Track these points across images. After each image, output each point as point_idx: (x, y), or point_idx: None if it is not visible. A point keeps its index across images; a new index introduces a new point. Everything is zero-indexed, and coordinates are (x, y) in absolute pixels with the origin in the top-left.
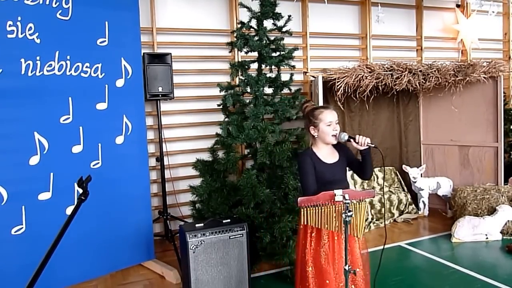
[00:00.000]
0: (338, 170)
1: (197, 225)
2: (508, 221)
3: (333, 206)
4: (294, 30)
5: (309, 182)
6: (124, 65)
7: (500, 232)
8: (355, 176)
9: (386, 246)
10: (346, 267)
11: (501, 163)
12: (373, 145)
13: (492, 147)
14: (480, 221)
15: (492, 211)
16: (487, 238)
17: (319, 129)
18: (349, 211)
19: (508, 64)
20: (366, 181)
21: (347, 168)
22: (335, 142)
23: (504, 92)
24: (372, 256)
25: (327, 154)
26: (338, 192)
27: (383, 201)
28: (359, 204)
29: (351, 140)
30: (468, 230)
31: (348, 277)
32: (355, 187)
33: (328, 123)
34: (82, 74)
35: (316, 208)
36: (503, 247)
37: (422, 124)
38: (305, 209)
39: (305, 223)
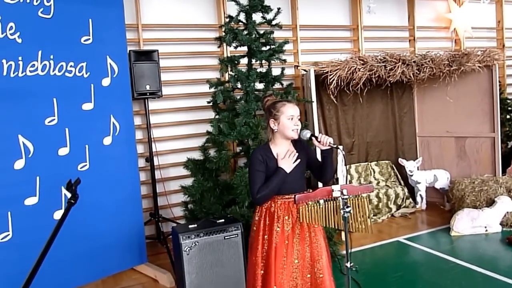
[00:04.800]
0: (295, 170)
1: (190, 226)
2: (508, 212)
3: (332, 202)
4: (284, 23)
5: (255, 181)
6: (110, 63)
7: (500, 224)
8: (352, 171)
9: (384, 241)
10: (348, 264)
11: (499, 154)
12: (335, 146)
13: (489, 138)
14: (479, 213)
15: (491, 202)
16: (486, 230)
17: (279, 122)
18: (347, 206)
19: (503, 53)
20: (363, 176)
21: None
22: (295, 136)
23: (499, 81)
24: (370, 252)
25: (282, 154)
26: (336, 188)
27: (380, 195)
28: (358, 199)
29: (313, 138)
30: (467, 223)
31: (350, 274)
32: (351, 182)
33: (290, 116)
34: (67, 74)
35: (315, 205)
36: (503, 239)
37: (417, 116)
38: (303, 206)
39: (304, 221)
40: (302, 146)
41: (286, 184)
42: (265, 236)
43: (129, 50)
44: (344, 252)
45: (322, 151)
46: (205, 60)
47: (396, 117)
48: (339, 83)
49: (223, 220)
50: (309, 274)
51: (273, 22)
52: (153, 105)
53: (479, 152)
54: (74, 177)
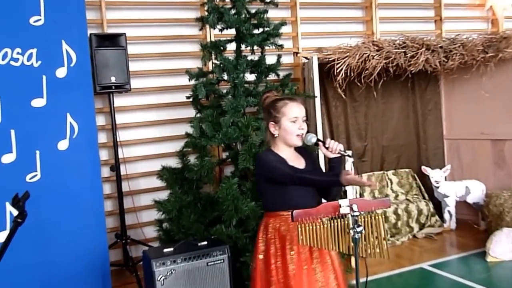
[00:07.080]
0: None
1: (165, 250)
2: None
3: (339, 220)
4: (281, 0)
5: (281, 167)
6: (66, 49)
7: None
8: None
9: (404, 269)
10: None
11: None
12: (346, 153)
13: None
14: None
15: None
16: None
17: (280, 126)
18: (358, 225)
19: None
20: (377, 188)
21: None
22: (300, 144)
23: None
24: (387, 282)
25: (291, 159)
26: (344, 203)
27: (399, 212)
28: (372, 216)
29: (320, 143)
30: (507, 245)
31: None
32: (363, 195)
33: (293, 118)
34: (12, 63)
35: (317, 224)
36: None
37: (444, 114)
38: (302, 226)
39: (303, 243)
40: (307, 152)
41: (295, 197)
42: (278, 262)
43: (90, 34)
44: (354, 282)
45: (330, 159)
46: (184, 46)
47: (418, 115)
48: (349, 74)
49: (205, 243)
50: None
51: None
52: (119, 101)
53: None
54: (22, 190)
